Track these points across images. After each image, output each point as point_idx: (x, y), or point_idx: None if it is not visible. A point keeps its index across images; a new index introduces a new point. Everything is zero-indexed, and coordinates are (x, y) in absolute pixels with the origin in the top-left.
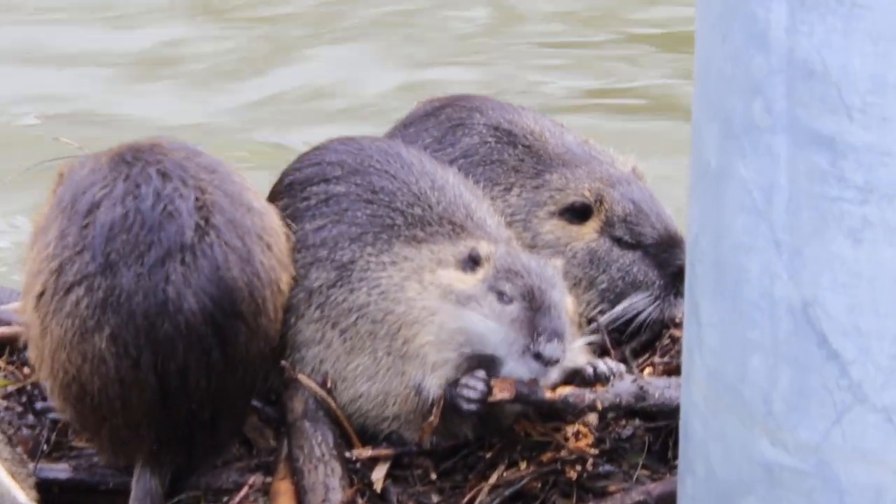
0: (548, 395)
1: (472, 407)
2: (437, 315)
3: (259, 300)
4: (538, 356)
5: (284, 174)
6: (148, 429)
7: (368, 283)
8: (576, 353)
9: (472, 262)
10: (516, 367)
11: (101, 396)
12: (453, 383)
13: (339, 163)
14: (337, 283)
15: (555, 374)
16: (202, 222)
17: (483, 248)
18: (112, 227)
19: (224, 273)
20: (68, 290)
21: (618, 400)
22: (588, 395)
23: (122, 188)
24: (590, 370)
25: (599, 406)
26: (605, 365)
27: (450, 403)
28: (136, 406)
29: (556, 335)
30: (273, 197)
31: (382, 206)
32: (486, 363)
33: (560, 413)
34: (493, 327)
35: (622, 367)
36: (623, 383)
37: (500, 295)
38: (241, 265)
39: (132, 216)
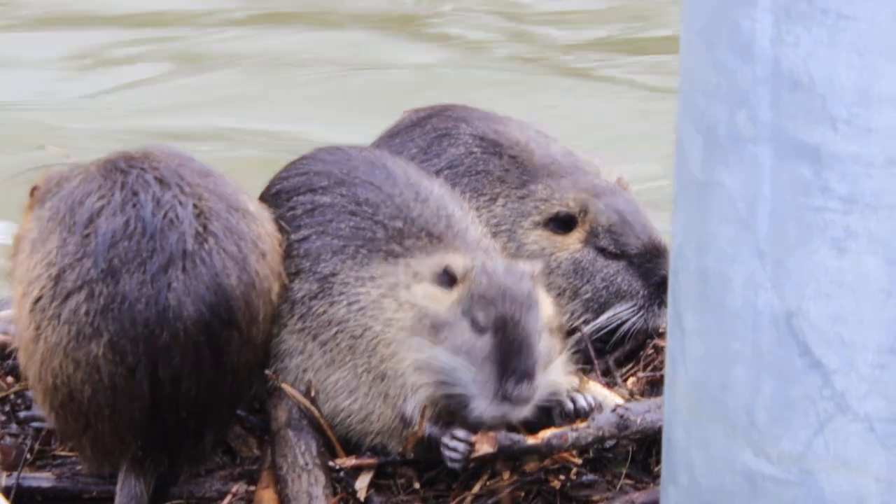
0: (530, 441)
1: (456, 465)
2: (413, 340)
3: (254, 310)
4: (505, 398)
5: (272, 182)
6: (133, 436)
7: (348, 298)
8: (556, 371)
9: (447, 276)
10: (486, 408)
11: (90, 403)
12: (435, 406)
13: (325, 173)
14: (318, 294)
15: (527, 410)
16: (201, 229)
17: (458, 263)
18: (114, 235)
19: (222, 280)
20: (67, 297)
21: (600, 433)
22: (570, 433)
23: (120, 196)
24: (570, 405)
25: (582, 443)
26: (585, 399)
27: (432, 439)
28: (124, 413)
29: (526, 376)
30: (261, 201)
31: (365, 219)
32: (458, 398)
33: (544, 456)
34: (463, 365)
35: (600, 396)
36: (603, 416)
37: (474, 323)
38: (238, 273)
39: (133, 223)
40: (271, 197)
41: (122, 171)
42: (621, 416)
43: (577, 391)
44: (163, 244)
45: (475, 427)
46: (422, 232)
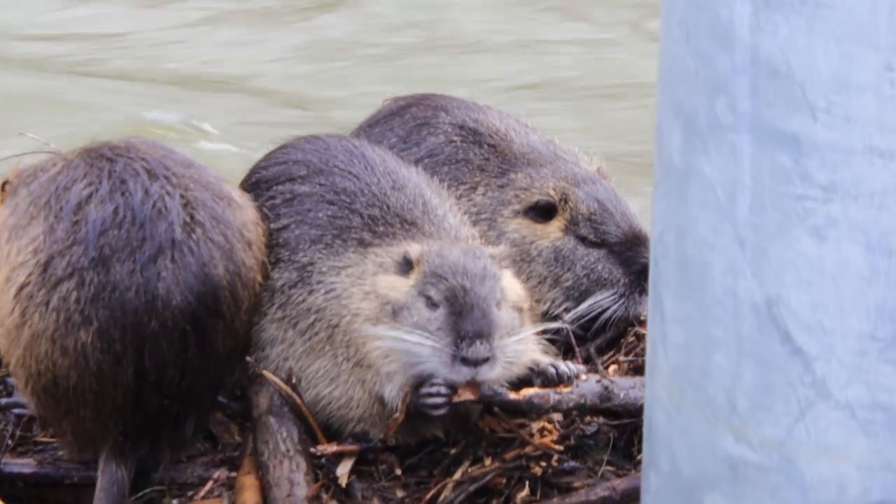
0: (512, 396)
1: (441, 411)
2: (378, 328)
3: (239, 299)
4: (465, 360)
5: (252, 172)
6: (115, 422)
7: (325, 287)
8: (526, 341)
9: (406, 264)
10: (448, 375)
11: (75, 390)
12: (416, 388)
13: (304, 162)
14: (297, 283)
15: (493, 370)
16: (188, 219)
17: (414, 250)
18: (104, 223)
19: (210, 270)
20: (57, 283)
21: (582, 400)
22: (553, 395)
23: (108, 184)
24: (552, 370)
25: (564, 406)
26: (566, 367)
27: (417, 408)
28: (108, 400)
29: (479, 335)
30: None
31: (343, 208)
32: (427, 375)
33: (525, 413)
34: (418, 341)
35: (583, 368)
36: (588, 384)
37: (428, 300)
38: (225, 263)
39: (122, 212)
40: (251, 186)
41: (109, 159)
42: (605, 388)
43: (561, 361)
44: (152, 233)
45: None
46: (395, 218)
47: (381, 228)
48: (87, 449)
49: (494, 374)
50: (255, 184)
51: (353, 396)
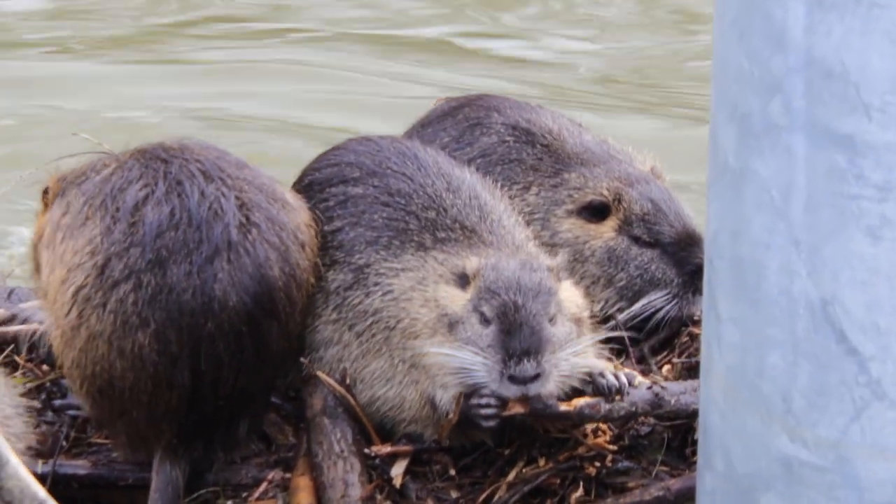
0: (563, 407)
1: (491, 423)
2: (436, 338)
3: (294, 300)
4: (513, 378)
5: (304, 173)
6: (169, 423)
7: (382, 289)
8: (582, 352)
9: (464, 278)
10: (500, 391)
11: (131, 391)
12: (468, 397)
13: (357, 164)
14: (353, 285)
15: (545, 386)
16: (244, 220)
17: (471, 264)
18: (160, 224)
19: (266, 271)
20: (115, 286)
21: (633, 408)
22: (603, 405)
23: (164, 186)
24: (602, 381)
25: (615, 415)
26: (618, 377)
27: (467, 418)
28: (163, 401)
29: (527, 353)
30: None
31: (398, 210)
32: (480, 388)
33: (576, 425)
34: (469, 358)
35: (635, 375)
36: (638, 391)
37: (481, 316)
38: (280, 264)
39: (179, 213)
40: (303, 188)
41: (164, 160)
42: (656, 395)
43: (613, 370)
44: (209, 235)
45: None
46: (455, 224)
47: (441, 234)
48: (141, 450)
49: (547, 390)
50: (307, 186)
51: (406, 397)
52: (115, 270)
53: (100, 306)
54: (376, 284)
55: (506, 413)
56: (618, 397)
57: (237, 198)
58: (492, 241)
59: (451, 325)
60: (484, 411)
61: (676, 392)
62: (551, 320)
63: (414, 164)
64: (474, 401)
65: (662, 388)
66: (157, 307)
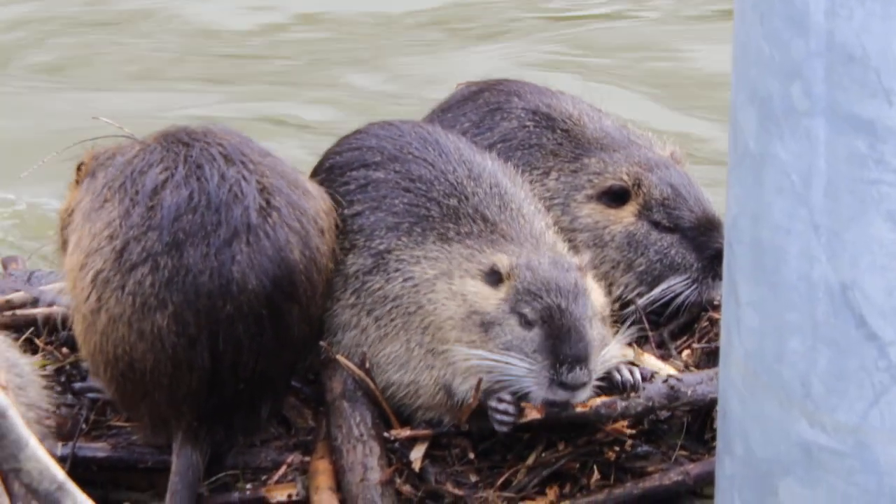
0: (579, 409)
1: (504, 429)
2: (468, 336)
3: (314, 284)
4: (563, 385)
5: (325, 157)
6: (190, 406)
7: (403, 275)
8: (612, 353)
9: (494, 275)
10: (544, 395)
11: (152, 374)
12: (487, 392)
13: (378, 148)
14: (373, 270)
15: (588, 392)
16: (265, 203)
17: (503, 263)
18: (178, 208)
19: (286, 255)
20: (132, 268)
21: (650, 403)
22: (619, 403)
23: (184, 169)
24: (617, 377)
25: (632, 412)
26: (632, 373)
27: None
28: (183, 384)
29: (580, 361)
30: (314, 175)
31: (419, 196)
32: (514, 389)
33: (593, 424)
34: (515, 360)
35: (650, 371)
36: (654, 386)
37: (522, 318)
38: (301, 248)
39: (197, 197)
40: (325, 172)
41: (185, 143)
42: (672, 388)
43: (629, 364)
44: (227, 217)
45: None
46: (476, 214)
47: (464, 226)
48: (162, 433)
49: (587, 396)
50: (328, 169)
51: (421, 383)
52: (133, 253)
53: (118, 289)
54: (397, 270)
55: (522, 420)
56: (633, 394)
57: (258, 182)
58: (513, 236)
59: (485, 325)
60: (500, 417)
61: (692, 383)
62: (591, 323)
63: (435, 149)
64: (493, 404)
65: (678, 380)
66: (175, 289)
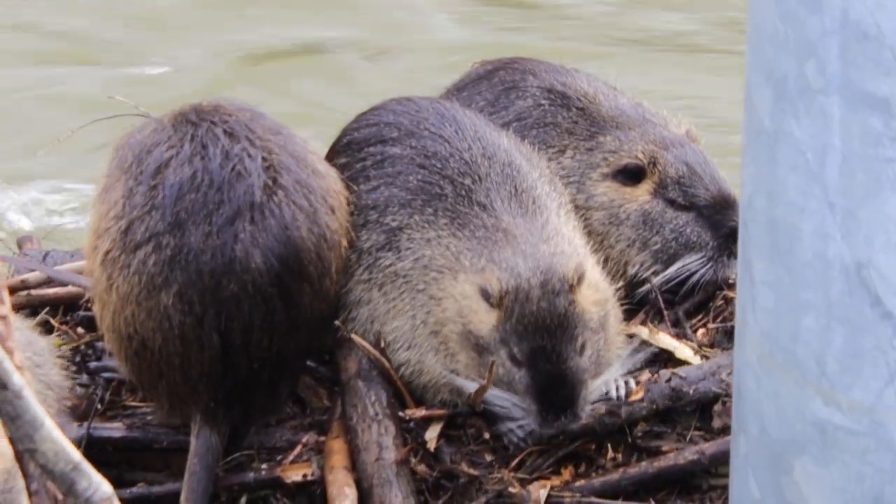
0: (583, 420)
1: (518, 446)
2: (463, 348)
3: (325, 262)
4: (552, 424)
5: (344, 133)
6: (206, 386)
7: (413, 254)
8: (610, 376)
9: (487, 296)
10: (538, 430)
11: (162, 353)
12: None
13: (395, 124)
14: (385, 246)
15: (578, 423)
16: (270, 182)
17: (494, 287)
18: (181, 187)
19: (292, 233)
20: (136, 248)
21: (654, 406)
22: (624, 409)
23: (189, 148)
24: (603, 389)
25: (637, 416)
26: (619, 391)
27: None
28: (196, 363)
29: (564, 409)
30: (332, 155)
31: (434, 173)
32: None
33: (598, 434)
34: (507, 401)
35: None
36: (657, 386)
37: (512, 355)
38: (309, 225)
39: (200, 175)
40: (342, 147)
41: (193, 123)
42: (674, 388)
43: (625, 375)
44: (230, 196)
45: None
46: (486, 202)
47: (474, 216)
48: (179, 413)
49: (580, 424)
50: (346, 145)
51: (426, 363)
52: (137, 233)
53: (125, 268)
54: (408, 249)
55: (531, 447)
56: (637, 396)
57: (264, 159)
58: (516, 234)
59: (480, 348)
60: (511, 437)
61: (695, 380)
62: (581, 352)
63: (452, 126)
64: (506, 426)
65: (681, 378)
66: (178, 268)
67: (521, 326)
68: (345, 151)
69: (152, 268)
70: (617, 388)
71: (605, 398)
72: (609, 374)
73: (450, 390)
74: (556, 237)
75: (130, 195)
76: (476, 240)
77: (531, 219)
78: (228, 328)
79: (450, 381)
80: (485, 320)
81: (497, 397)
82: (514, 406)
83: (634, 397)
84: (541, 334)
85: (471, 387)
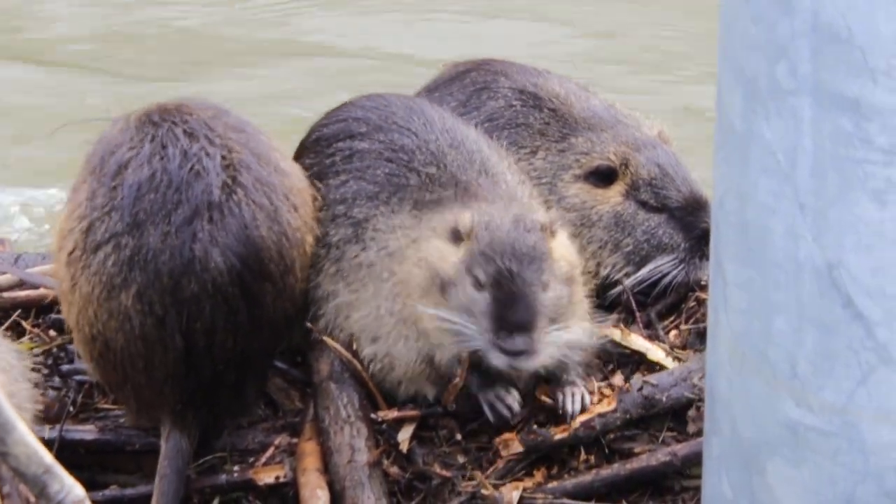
0: (558, 436)
1: (501, 417)
2: (427, 297)
3: (288, 260)
4: (504, 350)
5: (312, 130)
6: (172, 388)
7: (378, 244)
8: (578, 331)
9: (456, 234)
10: (493, 359)
11: (125, 354)
12: (487, 385)
13: (364, 119)
14: (353, 239)
15: (533, 362)
16: (229, 181)
17: (464, 220)
18: (140, 188)
19: (252, 232)
20: (97, 249)
21: (627, 415)
22: (597, 420)
23: (149, 149)
24: (559, 398)
25: (611, 427)
26: (573, 404)
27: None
28: (160, 365)
29: (520, 328)
30: (300, 152)
31: (401, 166)
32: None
33: (573, 446)
34: (462, 324)
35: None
36: (629, 396)
37: (475, 279)
38: (269, 224)
39: (159, 176)
40: (311, 144)
41: (155, 123)
42: (646, 397)
43: (577, 385)
44: (188, 196)
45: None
46: (452, 180)
47: (437, 192)
48: (148, 416)
49: (534, 366)
50: (315, 141)
51: (395, 355)
52: (98, 233)
53: (86, 267)
54: (373, 239)
55: (502, 449)
56: (609, 407)
57: (223, 157)
58: (485, 195)
59: (444, 285)
60: (496, 408)
61: (667, 386)
62: (545, 287)
63: (420, 119)
64: (489, 396)
65: (653, 385)
66: (137, 269)
67: (490, 250)
68: (313, 148)
69: (112, 268)
70: (573, 402)
71: (561, 407)
72: (567, 382)
73: (426, 378)
74: (528, 204)
75: (93, 196)
76: (442, 209)
77: (502, 187)
78: (191, 329)
79: (428, 357)
80: (451, 257)
81: (450, 317)
82: (467, 326)
83: (607, 408)
84: (508, 258)
85: (451, 363)
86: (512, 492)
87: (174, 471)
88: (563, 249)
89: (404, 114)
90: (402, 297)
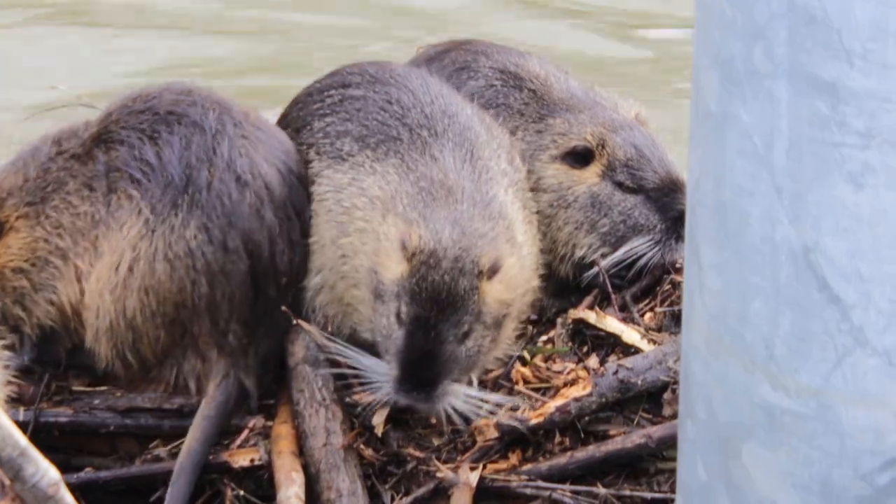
0: (534, 421)
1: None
2: (364, 285)
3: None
4: (407, 396)
5: (307, 87)
6: (237, 318)
7: (354, 180)
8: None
9: (404, 248)
10: (398, 399)
11: (181, 302)
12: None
13: (360, 72)
14: (331, 166)
15: (434, 407)
16: (242, 128)
17: (413, 240)
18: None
19: (281, 136)
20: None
21: (603, 399)
22: (573, 405)
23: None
24: (456, 417)
25: (587, 411)
26: (474, 418)
27: None
28: (225, 296)
29: (422, 385)
30: (291, 105)
31: (394, 118)
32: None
33: (550, 431)
34: (371, 365)
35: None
36: (605, 380)
37: (398, 312)
38: (284, 138)
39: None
40: (304, 97)
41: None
42: (622, 381)
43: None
44: (216, 148)
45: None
46: (437, 158)
47: (422, 166)
48: (194, 376)
49: (436, 411)
50: (308, 94)
51: (337, 289)
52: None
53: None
54: (350, 170)
55: (477, 434)
56: (585, 391)
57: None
58: (456, 198)
59: (379, 294)
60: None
61: (642, 370)
62: (464, 337)
63: (419, 79)
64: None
65: (628, 369)
66: (196, 208)
67: (418, 289)
68: (305, 100)
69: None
70: (457, 417)
71: (457, 414)
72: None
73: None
74: (497, 219)
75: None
76: (417, 189)
77: (477, 189)
78: (254, 242)
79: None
80: (393, 269)
81: (360, 362)
82: (374, 371)
83: (582, 392)
84: (430, 305)
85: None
86: (469, 473)
87: (219, 414)
88: (502, 287)
89: (403, 71)
90: (352, 239)
